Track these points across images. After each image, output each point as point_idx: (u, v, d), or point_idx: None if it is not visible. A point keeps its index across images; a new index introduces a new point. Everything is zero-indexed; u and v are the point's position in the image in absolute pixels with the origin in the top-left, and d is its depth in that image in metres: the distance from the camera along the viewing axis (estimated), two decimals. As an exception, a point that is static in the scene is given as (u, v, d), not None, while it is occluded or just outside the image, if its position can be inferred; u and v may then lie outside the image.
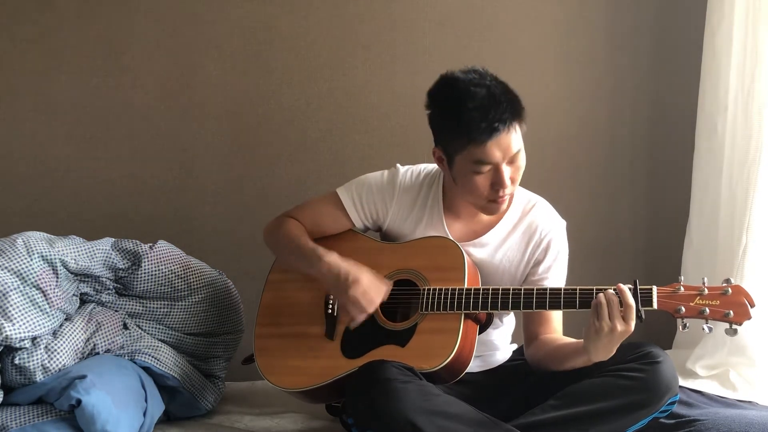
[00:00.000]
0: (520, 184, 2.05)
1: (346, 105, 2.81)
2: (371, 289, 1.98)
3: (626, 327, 1.78)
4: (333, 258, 2.03)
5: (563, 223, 2.14)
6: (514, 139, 1.92)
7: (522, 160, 1.97)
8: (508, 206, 2.08)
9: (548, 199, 2.18)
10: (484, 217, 2.11)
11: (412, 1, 2.82)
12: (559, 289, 1.91)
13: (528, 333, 2.11)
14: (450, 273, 2.00)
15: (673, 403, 1.91)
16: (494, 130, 1.88)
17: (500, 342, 2.19)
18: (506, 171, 1.94)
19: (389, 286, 2.01)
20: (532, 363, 2.07)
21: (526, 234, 2.10)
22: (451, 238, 2.08)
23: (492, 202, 1.98)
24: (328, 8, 2.79)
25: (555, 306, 1.91)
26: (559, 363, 1.97)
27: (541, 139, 2.82)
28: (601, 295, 1.81)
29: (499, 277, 2.10)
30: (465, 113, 1.89)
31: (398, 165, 2.19)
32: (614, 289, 1.81)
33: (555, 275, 2.10)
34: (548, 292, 1.91)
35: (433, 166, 2.19)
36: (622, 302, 1.78)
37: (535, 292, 1.92)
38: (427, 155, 2.37)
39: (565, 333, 2.08)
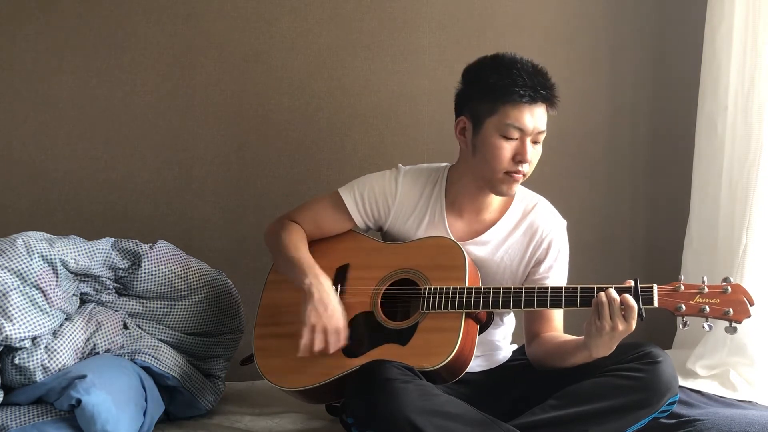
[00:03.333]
0: (523, 183, 2.06)
1: (346, 105, 2.81)
2: (342, 337, 1.98)
3: (627, 326, 1.79)
4: (327, 285, 2.02)
5: (564, 223, 2.15)
6: (544, 116, 2.01)
7: (540, 147, 2.04)
8: (510, 202, 2.10)
9: (549, 199, 2.18)
10: (486, 216, 2.12)
11: (412, 1, 2.82)
12: (561, 288, 1.91)
13: (529, 331, 2.11)
14: (451, 272, 2.00)
15: (673, 403, 1.91)
16: (537, 93, 1.97)
17: (500, 342, 2.19)
18: (529, 148, 1.99)
19: (343, 345, 2.00)
20: (534, 361, 2.08)
21: (527, 233, 2.11)
22: (452, 237, 2.09)
23: (507, 175, 2.00)
24: (328, 8, 2.79)
25: (556, 305, 1.91)
26: (560, 360, 1.98)
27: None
28: (602, 294, 1.81)
29: (500, 275, 2.11)
30: (513, 71, 1.97)
31: (400, 165, 2.20)
32: (616, 288, 1.82)
33: (556, 274, 2.10)
34: (549, 290, 1.92)
35: (435, 166, 2.19)
36: (623, 302, 1.79)
37: (536, 290, 1.92)
38: (428, 155, 2.38)
39: (566, 332, 2.09)
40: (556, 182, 2.74)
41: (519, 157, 1.98)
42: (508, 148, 1.98)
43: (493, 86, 1.99)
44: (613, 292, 1.80)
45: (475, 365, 2.05)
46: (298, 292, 2.09)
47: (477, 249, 2.10)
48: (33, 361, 1.95)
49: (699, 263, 2.62)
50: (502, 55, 2.04)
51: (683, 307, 1.81)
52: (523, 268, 2.11)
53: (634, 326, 1.79)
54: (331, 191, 2.20)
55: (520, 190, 2.12)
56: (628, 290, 1.85)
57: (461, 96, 2.09)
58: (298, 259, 2.09)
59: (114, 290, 2.26)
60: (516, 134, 1.98)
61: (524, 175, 2.02)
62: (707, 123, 2.64)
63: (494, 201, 2.13)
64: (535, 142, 2.00)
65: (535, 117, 1.98)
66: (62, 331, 2.05)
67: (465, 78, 2.09)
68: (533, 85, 1.96)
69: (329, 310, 1.98)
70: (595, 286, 1.88)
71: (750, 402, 2.31)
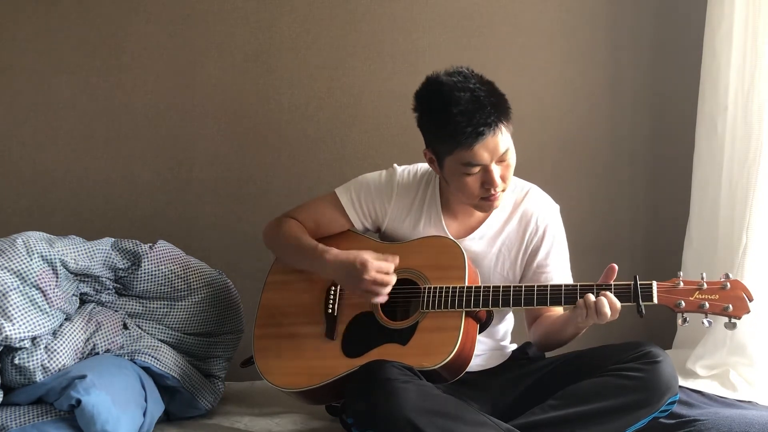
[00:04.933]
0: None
1: (346, 105, 2.81)
2: (383, 266, 1.98)
3: (603, 322, 1.87)
4: (335, 251, 2.04)
5: (557, 207, 2.18)
6: (501, 139, 1.95)
7: (512, 158, 2.00)
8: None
9: (548, 199, 2.19)
10: (480, 212, 2.13)
11: (412, 1, 2.82)
12: (560, 286, 1.93)
13: (530, 314, 2.15)
14: (450, 272, 2.01)
15: (672, 402, 1.91)
16: (479, 134, 1.91)
17: (500, 341, 2.19)
18: (496, 170, 1.97)
19: (396, 259, 2.00)
20: (536, 342, 2.13)
21: (522, 222, 2.13)
22: (450, 236, 2.10)
23: (484, 200, 2.01)
24: (328, 8, 2.79)
25: (556, 303, 1.93)
26: (557, 335, 2.04)
27: (541, 139, 2.83)
28: (581, 301, 1.88)
29: (500, 266, 2.13)
30: (450, 118, 1.92)
31: (395, 165, 2.20)
32: (615, 286, 1.88)
33: (555, 260, 2.12)
34: (549, 289, 1.94)
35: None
36: (598, 310, 1.85)
37: (535, 289, 1.94)
38: (428, 155, 2.36)
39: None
40: (556, 182, 2.73)
41: (487, 185, 1.98)
42: (473, 181, 1.98)
43: (439, 132, 1.97)
44: (592, 302, 1.85)
45: (475, 365, 2.05)
46: (298, 292, 2.10)
47: (474, 244, 2.11)
48: (33, 361, 1.95)
49: (699, 263, 2.61)
50: (436, 88, 1.96)
51: (683, 303, 1.83)
52: (521, 257, 2.13)
53: (610, 318, 1.86)
54: (330, 191, 2.20)
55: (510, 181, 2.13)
56: (627, 288, 1.86)
57: (420, 125, 2.05)
58: (299, 246, 2.11)
59: (114, 290, 2.26)
60: (476, 168, 1.96)
61: (503, 191, 2.02)
62: (707, 123, 2.64)
63: None
64: (501, 161, 1.97)
65: (489, 148, 1.94)
66: (62, 332, 2.05)
67: (415, 109, 2.04)
68: (474, 125, 1.90)
69: (355, 265, 1.97)
70: (594, 284, 1.90)
71: (750, 402, 2.31)
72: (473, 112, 1.91)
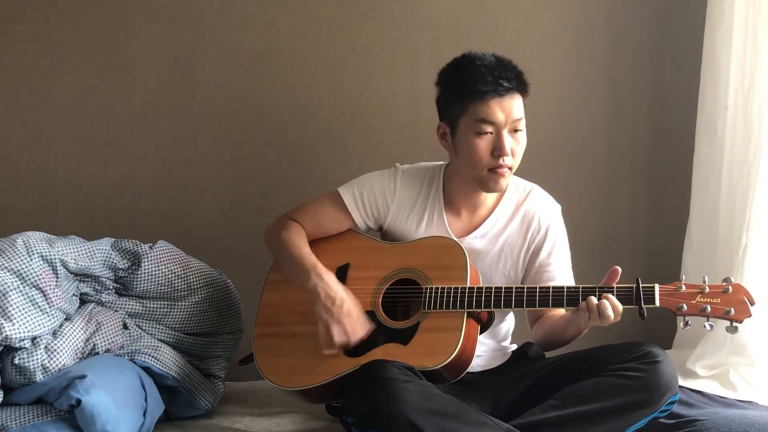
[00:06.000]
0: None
1: (346, 105, 2.81)
2: (358, 324, 2.00)
3: (605, 325, 1.87)
4: (332, 280, 2.04)
5: (558, 207, 2.19)
6: (516, 104, 2.01)
7: (523, 136, 2.04)
8: (504, 192, 2.13)
9: (549, 199, 2.19)
10: (483, 210, 2.14)
11: (412, 1, 2.82)
12: (562, 288, 1.93)
13: (532, 314, 2.16)
14: (452, 272, 2.01)
15: (672, 402, 1.91)
16: (499, 85, 1.98)
17: (501, 342, 2.19)
18: (507, 139, 2.00)
19: (371, 328, 2.02)
20: (538, 341, 2.14)
21: (524, 221, 2.14)
22: (453, 235, 2.11)
23: (492, 172, 2.02)
24: (328, 8, 2.79)
25: (558, 305, 1.93)
26: (559, 335, 2.04)
27: (541, 139, 2.81)
28: (583, 303, 1.88)
29: (502, 265, 2.13)
30: (474, 69, 2.00)
31: (397, 164, 2.21)
32: (617, 288, 1.88)
33: (557, 260, 2.13)
34: (551, 290, 1.94)
35: (432, 165, 2.20)
36: (601, 312, 1.85)
37: (537, 290, 1.94)
38: (428, 154, 2.37)
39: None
40: (556, 182, 2.72)
41: (497, 152, 2.00)
42: (484, 145, 2.01)
43: (458, 87, 2.03)
44: (594, 304, 1.86)
45: (476, 365, 2.05)
46: (298, 292, 2.09)
47: (476, 242, 2.12)
48: (33, 361, 1.95)
49: (699, 263, 2.62)
50: (464, 54, 2.08)
51: (685, 306, 1.83)
52: (523, 256, 2.14)
53: (613, 320, 1.86)
54: (330, 191, 2.21)
55: (512, 181, 2.14)
56: (629, 290, 1.86)
57: (438, 101, 2.12)
58: (299, 258, 2.10)
59: (114, 290, 2.26)
60: (489, 128, 2.00)
61: (510, 168, 2.03)
62: (707, 123, 2.64)
63: (489, 196, 2.15)
64: (514, 131, 2.02)
65: (504, 108, 1.99)
66: (62, 331, 2.05)
67: (437, 83, 2.12)
68: (495, 78, 1.99)
69: (338, 302, 2.00)
70: (597, 286, 1.90)
71: (750, 402, 2.31)
72: (496, 67, 2.01)
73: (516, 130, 2.02)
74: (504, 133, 2.00)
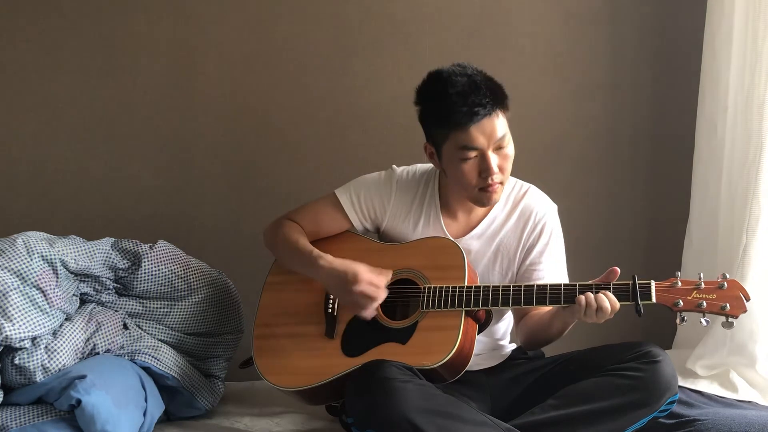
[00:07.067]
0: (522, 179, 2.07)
1: (346, 105, 2.81)
2: (374, 280, 1.99)
3: (601, 320, 1.87)
4: (329, 259, 2.05)
5: (555, 207, 2.18)
6: (497, 124, 1.97)
7: (510, 149, 2.01)
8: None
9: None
10: (480, 211, 2.14)
11: (412, 1, 2.82)
12: (559, 286, 1.93)
13: (518, 313, 2.15)
14: (450, 272, 2.01)
15: (672, 402, 1.91)
16: (474, 113, 1.94)
17: (499, 341, 2.19)
18: (493, 158, 1.98)
19: (389, 274, 2.02)
20: (522, 340, 2.13)
21: (520, 220, 2.14)
22: (449, 236, 2.11)
23: (482, 191, 2.01)
24: (328, 8, 2.79)
25: (555, 302, 1.93)
26: (543, 332, 2.04)
27: (541, 139, 2.83)
28: (580, 297, 1.87)
29: (498, 265, 2.13)
30: (447, 99, 1.95)
31: (394, 166, 2.21)
32: (614, 285, 1.88)
33: (548, 260, 2.13)
34: (548, 288, 1.94)
35: (428, 166, 2.21)
36: (600, 307, 1.85)
37: (535, 288, 1.94)
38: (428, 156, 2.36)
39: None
40: (555, 182, 2.73)
41: (485, 173, 1.99)
42: (471, 169, 1.99)
43: (434, 115, 2.01)
44: (592, 298, 1.86)
45: (475, 364, 2.05)
46: (297, 293, 2.10)
47: (472, 242, 2.12)
48: (33, 361, 1.95)
49: (699, 263, 2.61)
50: (437, 78, 2.02)
51: (681, 302, 1.85)
52: (519, 254, 2.13)
53: (609, 316, 1.87)
54: (329, 192, 2.21)
55: (509, 181, 2.14)
56: (625, 287, 1.86)
57: (420, 118, 2.08)
58: (298, 249, 2.11)
59: (114, 290, 2.26)
60: (473, 153, 1.98)
61: (501, 183, 2.02)
62: (707, 123, 2.63)
63: None
64: (498, 148, 1.99)
65: (485, 131, 1.96)
66: (62, 332, 2.05)
67: (416, 102, 2.08)
68: (470, 106, 1.94)
69: (347, 276, 1.98)
70: (593, 283, 1.90)
71: (750, 402, 2.31)
72: (469, 93, 1.95)
73: (500, 147, 1.99)
74: (489, 153, 1.97)
